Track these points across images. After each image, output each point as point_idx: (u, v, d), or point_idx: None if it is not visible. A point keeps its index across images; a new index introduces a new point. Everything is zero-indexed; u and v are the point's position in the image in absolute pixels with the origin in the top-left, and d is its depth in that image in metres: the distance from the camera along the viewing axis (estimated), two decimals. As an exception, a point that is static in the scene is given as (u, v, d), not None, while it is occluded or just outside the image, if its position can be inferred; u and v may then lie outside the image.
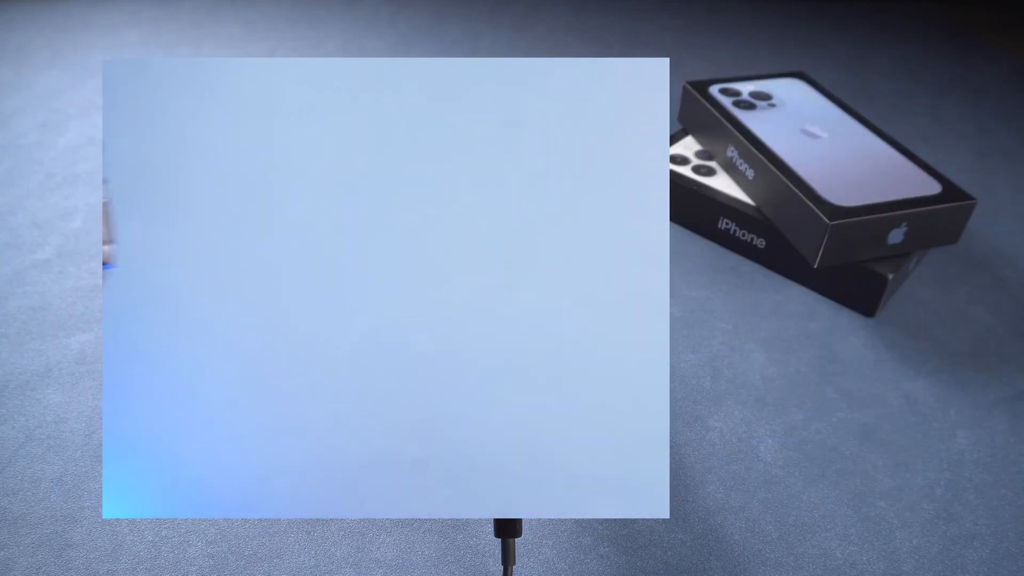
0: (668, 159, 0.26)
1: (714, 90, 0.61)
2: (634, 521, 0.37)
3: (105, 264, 0.25)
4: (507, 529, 0.30)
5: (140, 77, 0.25)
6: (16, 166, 0.64)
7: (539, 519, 0.37)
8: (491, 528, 0.37)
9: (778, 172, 0.51)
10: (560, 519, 0.37)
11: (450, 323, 0.25)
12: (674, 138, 0.63)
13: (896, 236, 0.49)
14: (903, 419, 0.44)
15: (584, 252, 0.25)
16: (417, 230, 0.24)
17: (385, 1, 1.00)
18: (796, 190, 0.50)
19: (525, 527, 0.37)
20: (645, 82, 0.25)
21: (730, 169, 0.57)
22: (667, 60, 0.26)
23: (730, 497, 0.39)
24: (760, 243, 0.55)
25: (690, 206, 0.58)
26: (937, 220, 0.50)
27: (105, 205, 0.24)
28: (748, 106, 0.59)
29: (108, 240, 0.24)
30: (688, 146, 0.62)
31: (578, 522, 0.37)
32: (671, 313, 0.51)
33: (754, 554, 0.36)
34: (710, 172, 0.58)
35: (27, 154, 0.65)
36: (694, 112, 0.62)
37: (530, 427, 0.26)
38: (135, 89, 0.25)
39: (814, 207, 0.48)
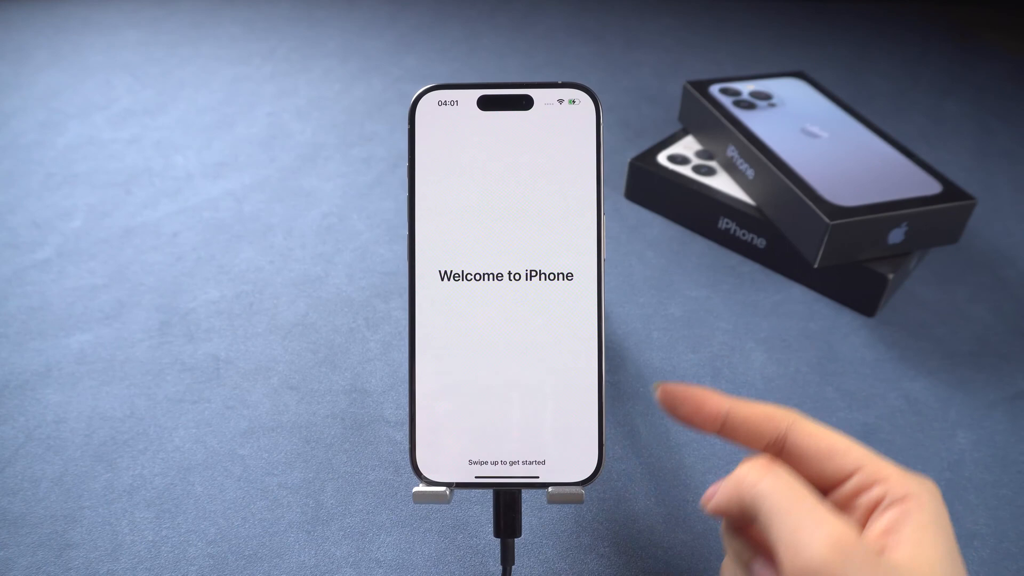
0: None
1: (714, 90, 0.61)
2: (635, 521, 0.38)
3: None
4: (507, 529, 0.30)
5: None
6: (16, 166, 0.64)
7: (539, 519, 0.37)
8: (491, 528, 0.37)
9: (778, 172, 0.51)
10: (560, 519, 0.37)
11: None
12: (674, 138, 0.63)
13: (896, 236, 0.49)
14: (903, 419, 0.44)
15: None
16: None
17: (385, 1, 1.01)
18: (796, 190, 0.50)
19: (525, 527, 0.37)
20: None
21: (730, 169, 0.57)
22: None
23: (730, 497, 0.39)
24: (760, 243, 0.55)
25: (690, 206, 0.58)
26: (937, 220, 0.50)
27: None
28: (748, 106, 0.59)
29: None
30: (688, 146, 0.62)
31: (578, 522, 0.37)
32: (672, 313, 0.51)
33: (754, 554, 0.36)
34: (710, 172, 0.58)
35: (27, 154, 0.65)
36: (694, 112, 0.62)
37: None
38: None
39: (814, 207, 0.48)
